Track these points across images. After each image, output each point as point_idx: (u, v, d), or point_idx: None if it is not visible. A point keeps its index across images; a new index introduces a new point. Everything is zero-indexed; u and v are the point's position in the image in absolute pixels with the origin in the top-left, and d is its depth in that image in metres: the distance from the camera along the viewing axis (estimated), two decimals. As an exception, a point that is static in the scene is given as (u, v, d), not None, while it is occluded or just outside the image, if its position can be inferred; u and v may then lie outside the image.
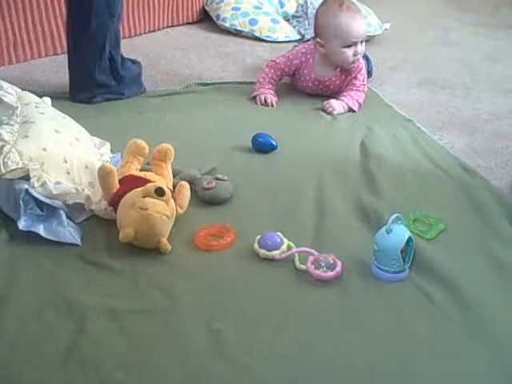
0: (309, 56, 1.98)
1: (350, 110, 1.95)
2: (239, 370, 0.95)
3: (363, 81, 1.99)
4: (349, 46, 1.90)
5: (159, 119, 1.83)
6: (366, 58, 2.10)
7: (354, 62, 1.94)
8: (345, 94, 1.97)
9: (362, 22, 1.92)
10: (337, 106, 1.93)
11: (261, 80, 2.00)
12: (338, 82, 2.00)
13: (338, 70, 1.97)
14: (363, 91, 1.99)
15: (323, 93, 2.03)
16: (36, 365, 0.94)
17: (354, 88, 1.98)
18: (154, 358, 0.97)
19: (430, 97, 2.14)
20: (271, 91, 1.99)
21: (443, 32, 2.69)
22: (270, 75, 2.00)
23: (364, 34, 1.92)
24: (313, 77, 1.99)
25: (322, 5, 1.98)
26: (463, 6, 3.31)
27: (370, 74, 2.12)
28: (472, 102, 2.11)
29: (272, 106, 1.96)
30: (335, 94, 2.01)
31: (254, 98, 1.99)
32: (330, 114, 1.91)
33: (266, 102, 1.96)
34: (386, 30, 2.75)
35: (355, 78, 1.98)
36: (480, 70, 2.42)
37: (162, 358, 0.97)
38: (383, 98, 2.07)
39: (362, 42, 1.92)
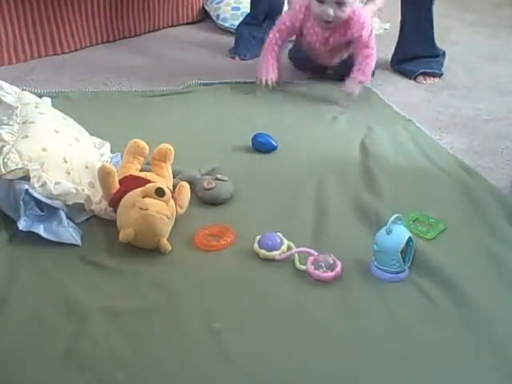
0: (305, 17, 1.98)
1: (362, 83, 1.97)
2: (239, 370, 0.95)
3: (369, 40, 1.98)
4: (320, 2, 1.89)
5: (159, 119, 1.83)
6: None
7: (327, 22, 1.93)
8: (354, 69, 1.98)
9: None
10: (353, 87, 1.96)
11: (267, 54, 2.00)
12: (339, 35, 1.99)
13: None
14: (371, 54, 1.98)
15: (333, 47, 2.03)
16: (36, 365, 0.94)
17: (360, 56, 1.98)
18: (153, 358, 0.97)
19: (429, 97, 2.14)
20: (274, 68, 2.00)
21: (444, 31, 2.68)
22: (275, 47, 2.00)
23: None
24: (316, 30, 1.99)
25: None
26: (464, 5, 3.31)
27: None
28: (472, 102, 2.11)
29: (272, 84, 1.99)
30: (345, 48, 2.02)
31: (260, 73, 2.00)
32: (351, 96, 1.95)
33: (266, 82, 1.98)
34: (386, 29, 2.75)
35: (360, 36, 1.97)
36: (480, 69, 2.42)
37: (162, 358, 0.97)
38: (383, 97, 2.07)
39: (339, 5, 1.88)
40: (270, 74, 2.00)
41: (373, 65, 2.00)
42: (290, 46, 2.25)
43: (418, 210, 1.37)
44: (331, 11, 1.89)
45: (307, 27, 2.01)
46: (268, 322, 1.06)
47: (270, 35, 2.03)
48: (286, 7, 2.68)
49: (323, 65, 2.15)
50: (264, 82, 2.00)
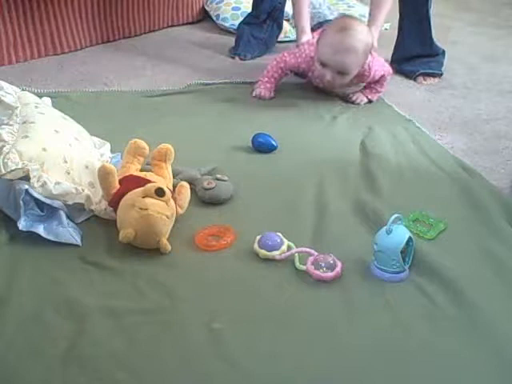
0: (313, 60, 1.97)
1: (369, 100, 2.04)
2: (239, 370, 0.95)
3: (380, 77, 2.00)
4: (322, 65, 1.88)
5: (159, 119, 1.83)
6: None
7: (329, 86, 1.97)
8: (367, 88, 2.03)
9: (344, 58, 1.82)
10: (362, 98, 2.02)
11: (265, 78, 2.03)
12: (349, 84, 2.01)
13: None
14: (384, 81, 2.02)
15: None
16: (36, 365, 0.94)
17: (377, 84, 2.02)
18: (154, 358, 0.97)
19: (429, 97, 2.14)
20: (271, 90, 2.03)
21: (444, 31, 2.69)
22: (275, 75, 2.02)
23: (339, 66, 1.85)
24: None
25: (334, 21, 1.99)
26: (464, 5, 3.31)
27: None
28: (472, 101, 2.11)
29: (265, 99, 2.02)
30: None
31: (258, 86, 2.04)
32: (356, 103, 2.02)
33: (260, 96, 2.02)
34: (385, 29, 2.75)
35: (372, 81, 2.00)
36: (480, 70, 2.43)
37: (162, 358, 0.97)
38: (383, 98, 2.07)
39: (339, 74, 1.87)
40: (264, 92, 2.02)
41: (385, 88, 2.04)
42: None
43: (418, 210, 1.37)
44: (329, 77, 1.87)
45: (313, 72, 1.99)
46: (268, 322, 1.06)
47: (274, 66, 2.01)
48: (288, 7, 2.69)
49: None
50: (258, 95, 2.02)
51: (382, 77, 2.00)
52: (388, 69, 2.02)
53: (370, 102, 2.04)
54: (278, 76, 2.03)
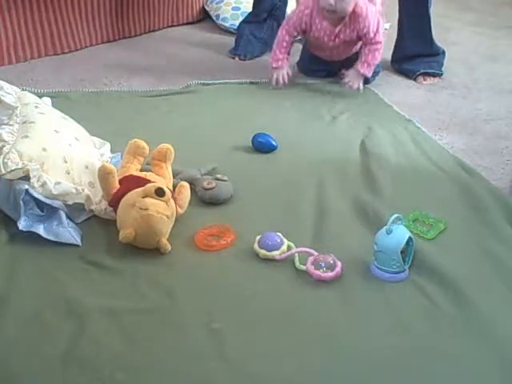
0: (313, 12, 2.01)
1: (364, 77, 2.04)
2: (239, 370, 0.95)
3: (376, 35, 2.01)
4: None
5: (159, 119, 1.83)
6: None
7: (331, 13, 1.96)
8: (358, 61, 2.03)
9: None
10: (354, 79, 2.03)
11: (276, 55, 2.06)
12: (346, 30, 2.02)
13: (346, 20, 2.00)
14: (377, 49, 2.03)
15: (341, 43, 2.05)
16: (36, 365, 0.94)
17: (367, 49, 2.03)
18: (153, 358, 0.97)
19: (429, 97, 2.14)
20: (286, 66, 2.07)
21: (443, 31, 2.69)
22: (284, 43, 2.06)
23: None
24: (324, 25, 2.02)
25: None
26: (463, 5, 3.31)
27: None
28: (472, 101, 2.11)
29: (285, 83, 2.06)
30: (354, 44, 2.07)
31: (272, 70, 2.07)
32: (351, 88, 2.03)
33: (277, 83, 2.06)
34: (385, 29, 2.75)
35: (367, 31, 2.00)
36: (480, 70, 2.42)
37: (161, 358, 0.97)
38: (383, 98, 2.07)
39: None
40: (282, 70, 2.05)
41: (377, 60, 2.05)
42: (297, 59, 2.25)
43: (418, 210, 1.37)
44: (332, 0, 1.91)
45: (315, 23, 2.02)
46: (268, 322, 1.06)
47: (279, 33, 2.06)
48: (290, 6, 2.70)
49: (335, 64, 2.15)
50: (275, 80, 2.06)
51: (371, 34, 2.00)
52: (379, 25, 2.02)
53: (366, 82, 2.06)
54: (287, 44, 2.06)
